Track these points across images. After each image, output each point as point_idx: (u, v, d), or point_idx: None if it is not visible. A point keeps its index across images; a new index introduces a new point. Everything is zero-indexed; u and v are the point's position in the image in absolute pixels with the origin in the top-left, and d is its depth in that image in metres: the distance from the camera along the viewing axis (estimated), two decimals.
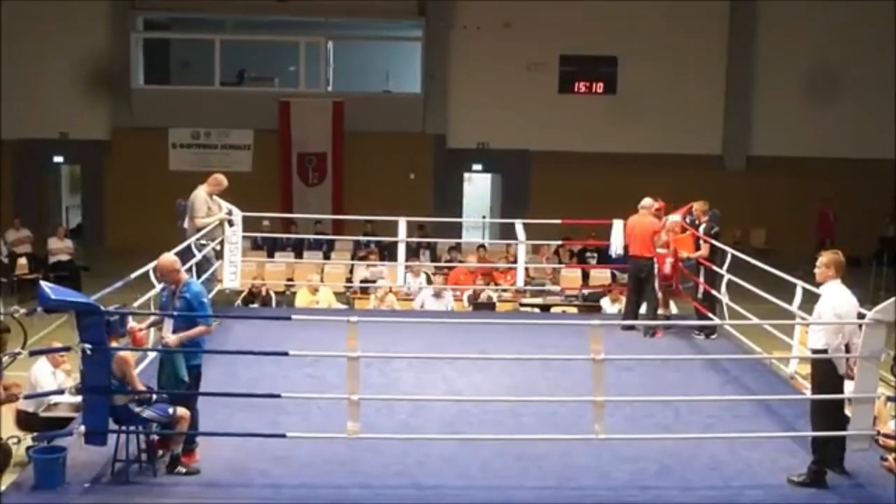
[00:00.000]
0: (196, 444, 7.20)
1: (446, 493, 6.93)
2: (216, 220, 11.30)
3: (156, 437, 7.21)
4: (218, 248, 11.57)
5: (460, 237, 19.18)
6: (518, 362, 9.61)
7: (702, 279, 11.26)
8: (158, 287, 7.95)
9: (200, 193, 11.17)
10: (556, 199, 21.04)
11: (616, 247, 12.73)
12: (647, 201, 11.67)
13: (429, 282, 14.42)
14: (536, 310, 14.30)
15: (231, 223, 11.59)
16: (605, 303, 13.86)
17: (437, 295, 13.51)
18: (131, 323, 7.25)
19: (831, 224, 21.49)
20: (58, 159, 23.48)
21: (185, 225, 11.21)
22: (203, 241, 11.05)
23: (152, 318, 7.62)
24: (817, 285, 7.49)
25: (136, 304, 8.23)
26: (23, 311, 7.05)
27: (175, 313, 7.19)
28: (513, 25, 22.48)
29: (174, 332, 7.13)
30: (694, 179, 19.53)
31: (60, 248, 18.54)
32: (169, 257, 7.47)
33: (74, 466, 6.95)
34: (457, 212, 22.67)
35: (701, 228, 11.37)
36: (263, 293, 13.48)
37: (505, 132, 22.81)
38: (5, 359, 7.26)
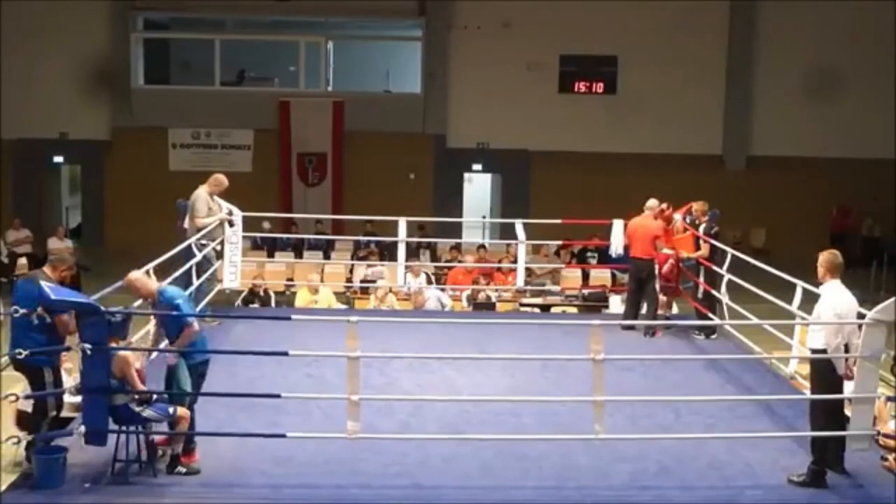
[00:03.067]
0: (196, 444, 7.20)
1: (446, 493, 6.93)
2: (216, 220, 11.31)
3: (156, 437, 7.21)
4: (218, 248, 11.58)
5: (460, 237, 19.14)
6: (518, 362, 9.62)
7: (702, 279, 11.26)
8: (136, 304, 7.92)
9: (201, 193, 11.18)
10: (556, 199, 21.04)
11: (616, 247, 12.72)
12: (652, 202, 11.65)
13: (429, 282, 14.41)
14: (536, 310, 14.29)
15: (231, 223, 11.60)
16: (615, 301, 13.76)
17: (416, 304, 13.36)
18: (136, 364, 7.18)
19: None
20: (58, 159, 23.43)
21: (186, 225, 11.23)
22: (203, 241, 11.06)
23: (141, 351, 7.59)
24: (818, 285, 7.50)
25: (135, 304, 8.22)
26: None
27: (161, 325, 7.19)
28: (513, 25, 22.44)
29: (169, 342, 7.16)
30: (694, 179, 19.49)
31: (60, 248, 18.51)
32: (133, 275, 7.40)
33: (74, 466, 6.96)
34: (457, 212, 22.64)
35: (701, 228, 11.37)
36: (263, 293, 13.48)
37: (505, 132, 22.77)
38: (4, 360, 7.25)
